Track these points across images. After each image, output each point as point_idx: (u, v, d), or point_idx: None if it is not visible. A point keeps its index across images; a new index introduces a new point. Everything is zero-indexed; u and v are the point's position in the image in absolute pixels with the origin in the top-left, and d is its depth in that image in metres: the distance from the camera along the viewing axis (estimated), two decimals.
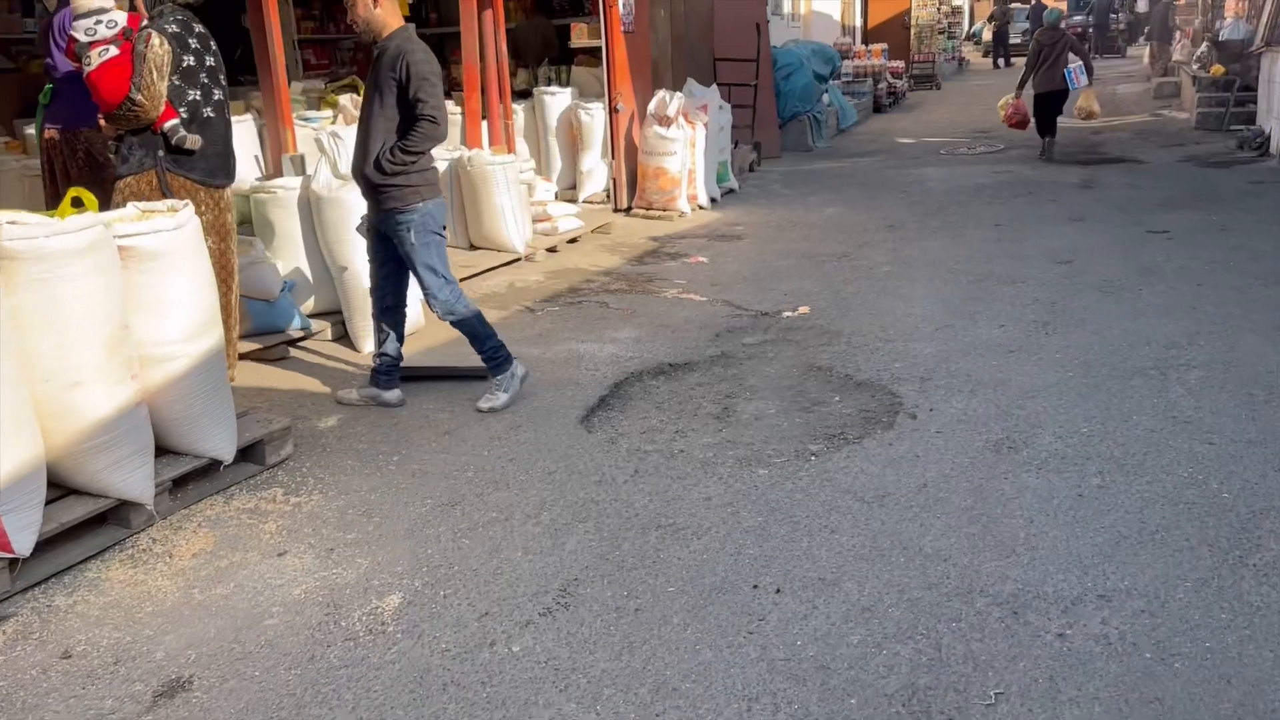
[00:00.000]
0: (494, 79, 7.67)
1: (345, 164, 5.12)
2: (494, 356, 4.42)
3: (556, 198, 9.09)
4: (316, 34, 11.17)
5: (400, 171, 4.11)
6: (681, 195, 9.02)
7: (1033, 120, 11.62)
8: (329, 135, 5.14)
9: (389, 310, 4.45)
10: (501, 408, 4.37)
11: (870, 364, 4.87)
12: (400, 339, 4.51)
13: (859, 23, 23.11)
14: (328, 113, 7.85)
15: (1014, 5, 29.39)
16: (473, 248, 7.16)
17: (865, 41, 21.37)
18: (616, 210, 9.18)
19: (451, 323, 4.39)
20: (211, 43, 4.27)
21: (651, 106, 8.94)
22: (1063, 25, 11.84)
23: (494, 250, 7.09)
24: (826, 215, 9.05)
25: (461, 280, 6.45)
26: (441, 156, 7.06)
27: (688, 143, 8.96)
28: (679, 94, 8.87)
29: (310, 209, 5.20)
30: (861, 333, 5.41)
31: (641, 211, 9.05)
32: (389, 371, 4.45)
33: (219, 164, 4.26)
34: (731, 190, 10.28)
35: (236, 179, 5.40)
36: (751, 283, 6.66)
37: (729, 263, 7.28)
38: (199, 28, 4.19)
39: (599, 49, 8.91)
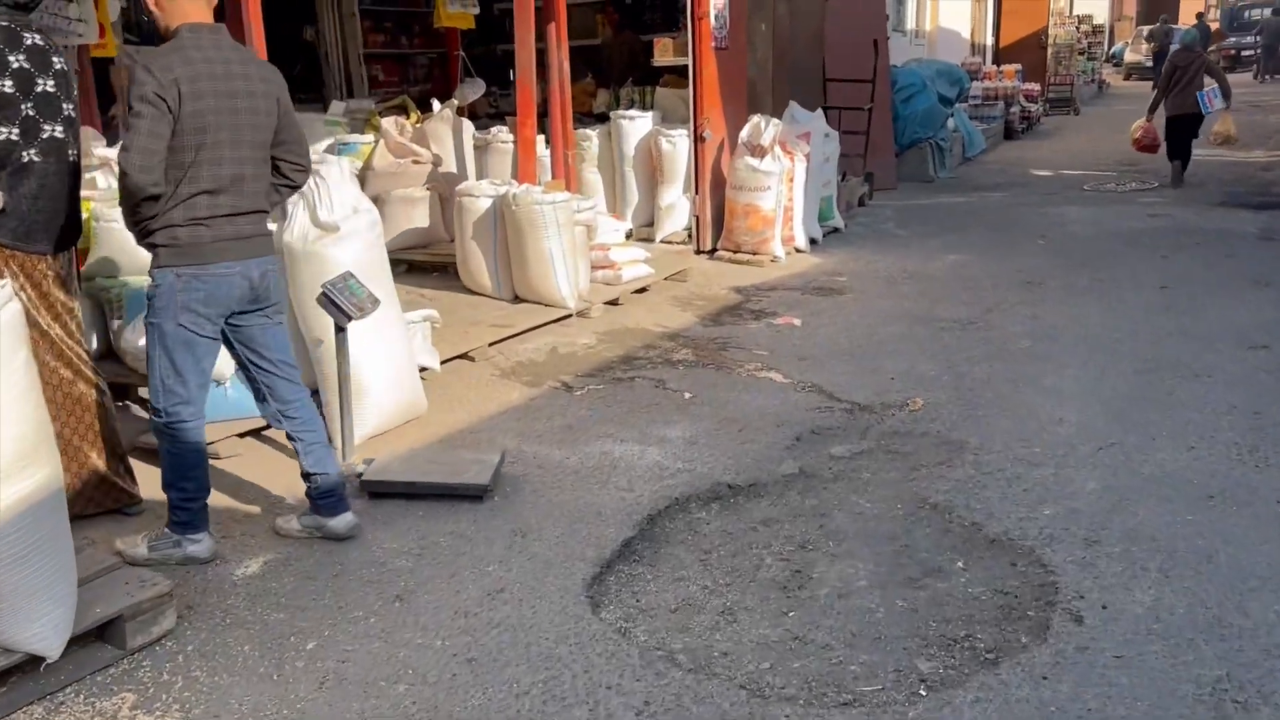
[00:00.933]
0: (555, 103, 6.55)
1: (332, 209, 4.03)
2: (180, 508, 3.16)
3: (630, 237, 7.93)
4: (387, 48, 10.32)
5: (130, 225, 3.04)
6: (774, 237, 7.73)
7: (1164, 144, 10.97)
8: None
9: (279, 415, 3.29)
10: (139, 561, 3.08)
11: (1007, 505, 3.51)
12: (317, 451, 3.29)
13: (990, 41, 21.36)
14: (369, 138, 6.86)
15: (1171, 24, 27.00)
16: (516, 299, 6.02)
17: (997, 61, 19.64)
18: (699, 252, 7.94)
19: (159, 443, 3.18)
20: (56, 60, 3.13)
21: (743, 134, 7.68)
22: (1210, 47, 10.40)
23: (540, 304, 5.93)
24: (948, 264, 7.62)
25: (495, 342, 5.34)
26: (486, 193, 5.97)
27: (784, 177, 7.67)
28: (775, 121, 7.59)
29: (283, 264, 4.12)
30: (993, 446, 4.03)
31: (727, 255, 7.79)
32: (326, 495, 3.30)
33: (41, 223, 3.12)
34: (836, 229, 8.92)
35: None
36: (849, 357, 5.33)
37: (824, 326, 5.96)
38: (33, 39, 3.07)
39: (687, 68, 7.70)
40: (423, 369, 4.78)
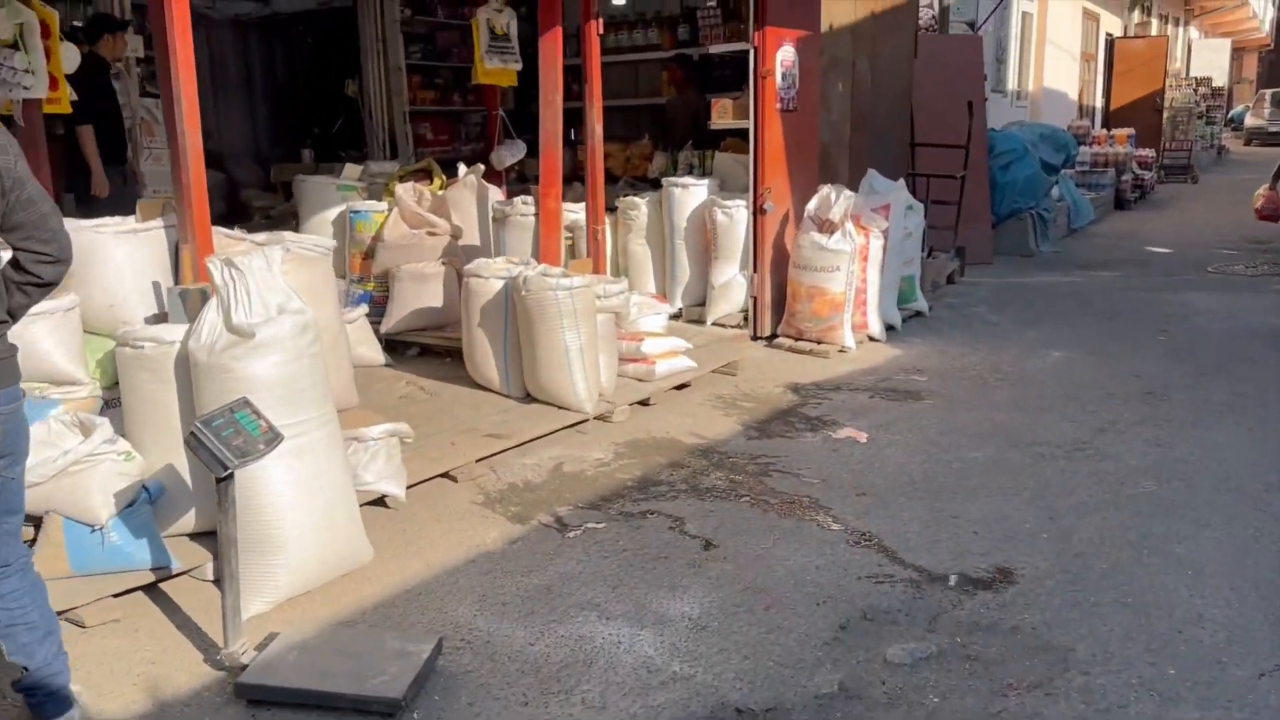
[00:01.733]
0: (588, 173, 5.70)
1: (249, 310, 3.19)
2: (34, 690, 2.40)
3: (680, 317, 7.00)
4: (438, 104, 9.68)
5: None
6: (843, 324, 6.70)
7: None
8: (222, 265, 3.18)
9: None
10: None
11: None
12: (20, 635, 2.42)
13: (1099, 103, 20.01)
14: (384, 205, 6.09)
15: None
16: (527, 398, 5.12)
17: (1107, 125, 18.28)
18: (756, 338, 6.95)
19: None
20: None
21: (811, 207, 6.71)
22: None
23: (553, 406, 5.02)
24: (1050, 364, 6.47)
25: (497, 454, 4.44)
26: (496, 274, 5.11)
27: (856, 256, 6.65)
28: (848, 193, 6.59)
29: (191, 375, 3.28)
30: (1110, 661, 2.93)
31: (788, 342, 6.79)
32: (32, 691, 2.44)
33: None
34: (919, 313, 7.83)
35: (120, 319, 3.61)
36: (921, 494, 4.26)
37: (894, 444, 4.90)
38: None
39: (750, 131, 6.78)
40: (382, 498, 3.90)
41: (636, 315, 6.05)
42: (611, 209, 7.48)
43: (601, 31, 5.58)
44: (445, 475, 4.26)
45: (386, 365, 5.76)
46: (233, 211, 8.32)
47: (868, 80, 8.08)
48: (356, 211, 6.02)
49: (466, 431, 4.64)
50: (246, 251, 3.51)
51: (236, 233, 3.72)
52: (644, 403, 5.44)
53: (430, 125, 9.61)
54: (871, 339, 7.04)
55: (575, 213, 7.23)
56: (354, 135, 8.99)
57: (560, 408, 4.99)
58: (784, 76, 6.76)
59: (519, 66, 7.11)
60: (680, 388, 5.77)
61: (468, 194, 6.21)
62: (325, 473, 3.27)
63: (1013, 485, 4.36)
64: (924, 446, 4.89)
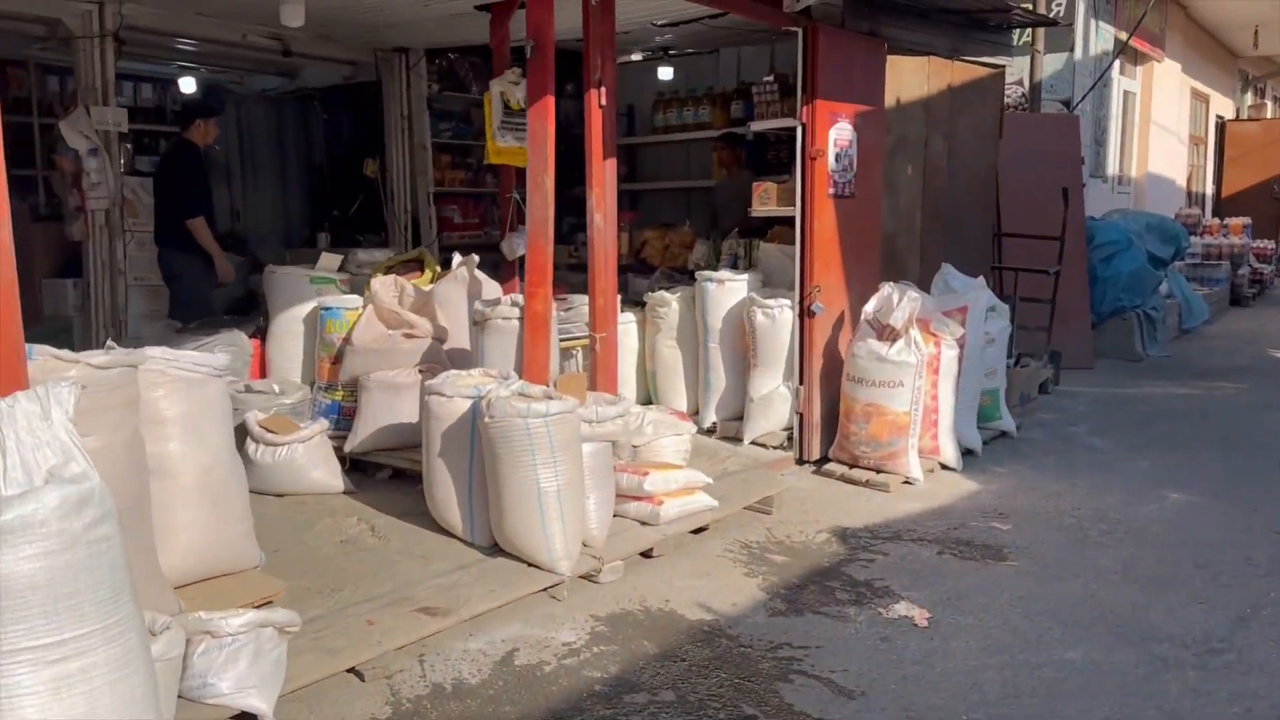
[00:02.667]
0: (592, 270, 4.72)
1: (3, 477, 2.25)
2: None
3: (713, 433, 5.96)
4: (468, 186, 8.93)
5: None
6: (908, 450, 5.54)
7: None
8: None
9: None
10: None
11: None
12: None
13: (1210, 190, 18.49)
14: (360, 300, 5.23)
15: None
16: (494, 549, 4.09)
17: (1219, 214, 16.75)
18: (803, 462, 5.83)
19: None
20: None
21: (868, 309, 5.63)
22: None
23: (521, 562, 3.97)
24: (1167, 510, 5.19)
25: (430, 635, 3.40)
26: (461, 391, 4.14)
27: (924, 368, 5.52)
28: (914, 294, 5.50)
29: None
30: None
31: (840, 469, 5.65)
32: None
33: None
34: (1004, 434, 6.61)
35: None
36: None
37: (964, 634, 3.71)
38: None
39: (797, 219, 5.77)
40: (243, 717, 2.88)
41: (652, 436, 5.02)
42: (640, 304, 6.52)
43: (605, 102, 4.66)
44: (351, 671, 3.23)
45: (346, 493, 4.82)
46: (250, 299, 7.62)
47: (943, 162, 7.01)
48: (327, 308, 5.15)
49: (398, 602, 3.60)
50: (75, 381, 2.59)
51: (67, 354, 2.82)
52: (646, 554, 4.36)
53: (459, 207, 8.84)
54: (944, 467, 5.85)
55: None
56: (375, 218, 8.25)
57: (529, 564, 3.94)
58: (838, 157, 5.75)
59: None
60: (698, 531, 4.68)
61: (457, 289, 5.30)
62: (107, 713, 2.26)
63: (1124, 713, 3.14)
64: (1004, 637, 3.69)
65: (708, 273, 6.06)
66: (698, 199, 9.07)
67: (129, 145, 6.78)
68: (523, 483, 3.85)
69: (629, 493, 4.47)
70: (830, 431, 5.82)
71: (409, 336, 4.99)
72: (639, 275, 7.43)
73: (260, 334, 5.51)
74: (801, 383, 5.77)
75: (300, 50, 7.39)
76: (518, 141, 6.18)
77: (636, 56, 9.22)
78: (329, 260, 5.56)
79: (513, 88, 6.13)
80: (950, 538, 4.77)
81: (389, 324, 5.07)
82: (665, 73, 8.65)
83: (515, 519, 3.90)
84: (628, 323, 6.37)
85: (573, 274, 7.99)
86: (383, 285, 5.05)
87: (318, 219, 8.95)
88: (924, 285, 6.41)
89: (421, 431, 4.26)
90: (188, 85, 8.66)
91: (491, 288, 5.54)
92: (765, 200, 5.91)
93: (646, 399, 6.47)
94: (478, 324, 4.70)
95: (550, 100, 4.36)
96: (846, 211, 5.83)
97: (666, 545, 4.42)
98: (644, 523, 4.46)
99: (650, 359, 6.33)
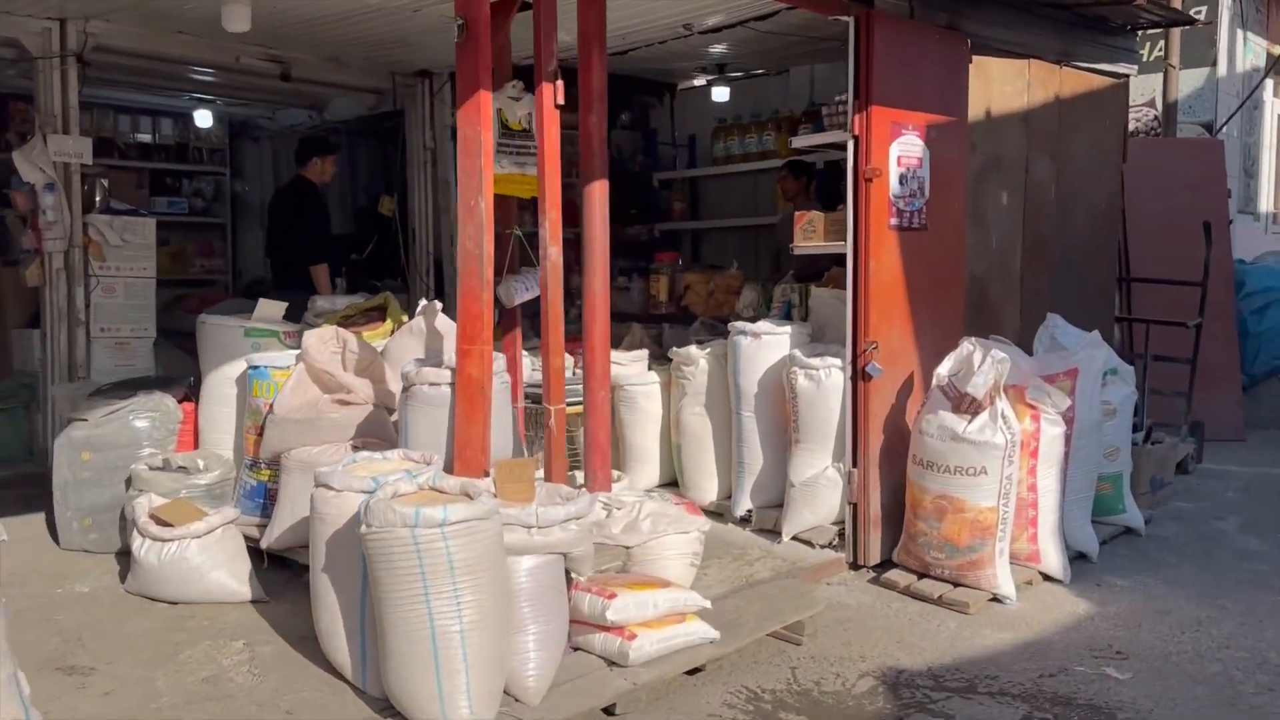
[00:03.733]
0: (546, 318, 3.65)
1: None
2: None
3: (748, 522, 4.81)
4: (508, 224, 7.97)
5: None
6: (995, 558, 4.22)
7: None
8: None
9: None
10: None
11: None
12: None
13: None
14: (290, 358, 4.27)
15: None
16: (386, 712, 2.98)
17: None
18: (858, 566, 4.56)
19: None
20: None
21: (942, 371, 4.36)
22: None
23: None
24: None
25: None
26: (354, 485, 3.08)
27: (1016, 450, 4.21)
28: (1000, 351, 4.21)
29: None
30: None
31: (906, 578, 4.36)
32: None
33: None
34: (1128, 530, 5.18)
35: None
36: None
37: None
38: None
39: (848, 257, 4.56)
40: None
41: (649, 534, 3.88)
42: (667, 360, 5.40)
43: (561, 101, 3.63)
44: None
45: (255, 601, 3.81)
46: None
47: (1050, 191, 5.70)
48: (255, 367, 4.20)
49: None
50: None
51: None
52: (609, 711, 3.19)
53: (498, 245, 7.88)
54: (1046, 578, 4.50)
55: (619, 364, 5.25)
56: (391, 261, 7.37)
57: None
58: (904, 179, 4.54)
59: None
60: (694, 672, 3.49)
61: (414, 344, 4.26)
62: None
63: None
64: None
65: (741, 324, 4.88)
66: (765, 237, 7.94)
67: (104, 181, 6.04)
68: (409, 619, 2.76)
69: (592, 620, 3.32)
70: (894, 528, 4.55)
71: (342, 403, 3.98)
72: (677, 326, 6.32)
73: (193, 396, 4.60)
74: (855, 465, 4.52)
75: (304, 75, 6.60)
76: (518, 167, 5.15)
77: (700, 81, 8.19)
78: (268, 309, 4.62)
79: (511, 104, 5.12)
80: (1044, 692, 3.45)
81: (325, 387, 4.08)
82: (720, 94, 7.58)
83: (400, 667, 2.81)
84: (649, 384, 5.26)
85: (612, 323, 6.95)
86: (318, 340, 4.07)
87: (336, 264, 8.17)
88: (1026, 341, 5.12)
89: (310, 539, 3.22)
90: (204, 119, 8.04)
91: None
92: (809, 233, 4.72)
93: (672, 479, 5.32)
94: (405, 390, 3.65)
95: (484, 98, 3.32)
96: (915, 247, 4.60)
97: (637, 698, 3.23)
98: (611, 662, 3.29)
99: (675, 430, 5.19)
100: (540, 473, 3.60)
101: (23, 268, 5.69)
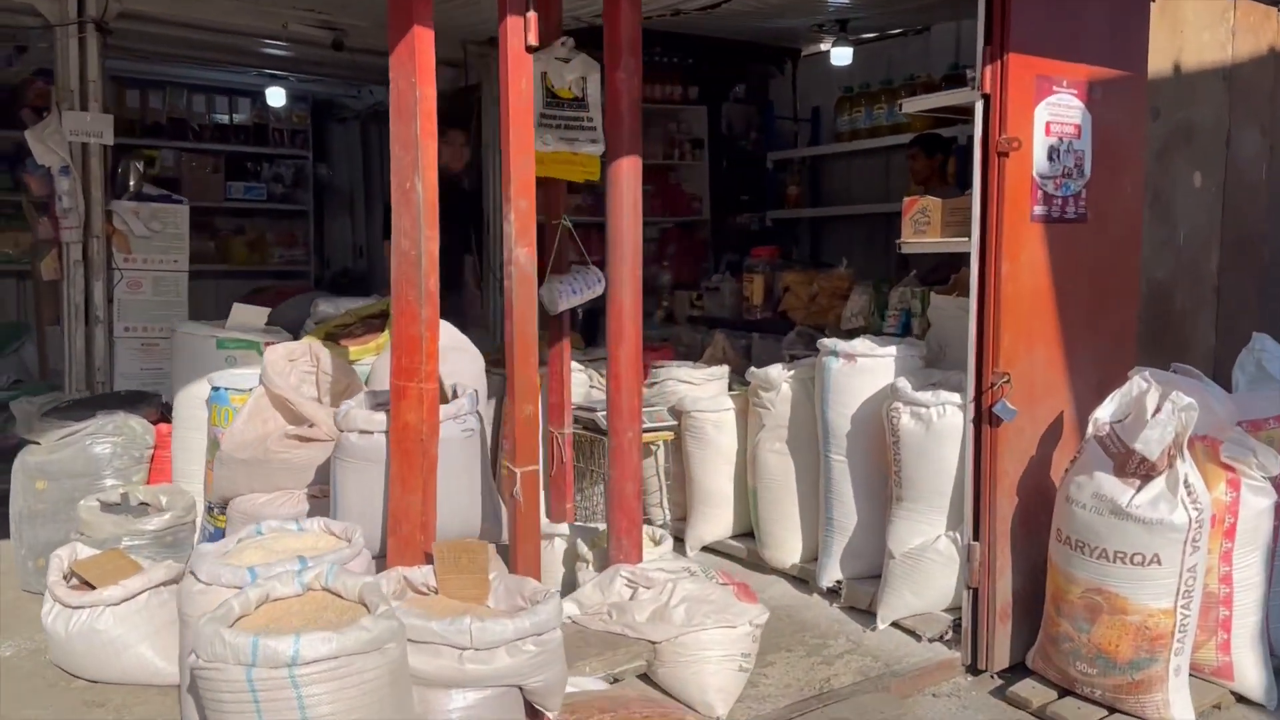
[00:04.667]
0: (510, 335, 2.68)
1: None
2: None
3: (837, 595, 3.79)
4: (587, 214, 7.12)
5: None
6: (1170, 677, 3.04)
7: None
8: None
9: None
10: None
11: None
12: None
13: None
14: (255, 377, 3.49)
15: None
16: None
17: None
18: (976, 671, 3.42)
19: None
20: None
21: (1101, 416, 3.16)
22: None
23: None
24: None
25: None
26: (225, 579, 2.24)
27: (1204, 532, 3.00)
28: (1184, 394, 3.00)
29: None
30: None
31: (1042, 694, 3.21)
32: None
33: None
34: None
35: None
36: None
37: None
38: None
39: (972, 258, 3.42)
40: None
41: (682, 627, 2.92)
42: (744, 385, 4.39)
43: (534, 42, 2.67)
44: None
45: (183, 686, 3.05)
46: None
47: (1258, 171, 4.36)
48: (216, 389, 3.44)
49: None
50: None
51: None
52: None
53: (584, 238, 7.02)
54: (1240, 699, 3.27)
55: (689, 383, 4.32)
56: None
57: None
58: (1053, 153, 3.36)
59: (600, 150, 4.19)
60: None
61: None
62: None
63: None
64: None
65: (833, 341, 3.80)
66: (897, 230, 6.76)
67: (138, 163, 5.48)
68: None
69: None
70: (1031, 622, 3.40)
71: (301, 440, 3.16)
72: (769, 335, 5.25)
73: (171, 416, 3.90)
74: (977, 536, 3.38)
75: (359, 44, 5.88)
76: (566, 144, 4.26)
77: (826, 45, 7.07)
78: (245, 314, 3.83)
79: (559, 65, 4.21)
80: None
81: (288, 419, 3.27)
82: (841, 56, 6.42)
83: None
84: (719, 410, 4.25)
85: (691, 328, 5.95)
86: (283, 357, 3.25)
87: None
88: (1224, 371, 3.84)
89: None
90: (276, 97, 7.47)
91: (472, 360, 3.61)
92: (922, 225, 3.59)
93: (747, 529, 4.30)
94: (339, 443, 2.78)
95: (420, 34, 2.38)
96: (1068, 245, 3.41)
97: None
98: None
99: (750, 471, 4.15)
100: (501, 566, 2.65)
101: (38, 259, 5.18)
